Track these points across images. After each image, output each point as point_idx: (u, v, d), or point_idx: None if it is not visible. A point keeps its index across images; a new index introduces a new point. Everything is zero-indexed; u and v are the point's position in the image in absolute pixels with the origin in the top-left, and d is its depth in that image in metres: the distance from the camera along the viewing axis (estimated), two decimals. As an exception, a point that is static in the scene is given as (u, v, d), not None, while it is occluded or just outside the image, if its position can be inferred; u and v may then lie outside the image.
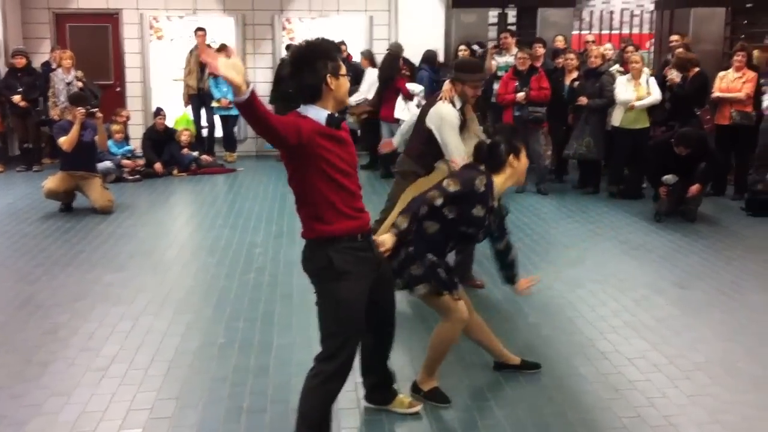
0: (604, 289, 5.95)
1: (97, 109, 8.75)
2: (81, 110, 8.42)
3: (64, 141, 8.41)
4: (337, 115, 3.30)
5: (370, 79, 10.91)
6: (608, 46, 9.82)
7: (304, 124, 3.17)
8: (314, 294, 3.39)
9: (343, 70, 3.31)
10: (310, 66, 3.23)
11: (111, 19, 12.57)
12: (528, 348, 4.80)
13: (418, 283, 3.86)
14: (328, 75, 3.22)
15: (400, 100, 10.27)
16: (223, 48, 8.39)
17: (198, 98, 11.80)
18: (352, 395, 4.06)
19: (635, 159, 9.14)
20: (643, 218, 8.26)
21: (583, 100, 9.12)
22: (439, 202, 3.87)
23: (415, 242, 3.86)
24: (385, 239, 3.77)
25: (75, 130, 8.38)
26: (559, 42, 10.41)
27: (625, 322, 5.25)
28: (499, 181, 4.00)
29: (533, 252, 6.98)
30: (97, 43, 12.53)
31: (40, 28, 12.29)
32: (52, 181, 8.43)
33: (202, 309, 5.51)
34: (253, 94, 2.91)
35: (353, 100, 10.73)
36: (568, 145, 9.38)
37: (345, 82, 3.31)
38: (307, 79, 3.23)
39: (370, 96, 10.81)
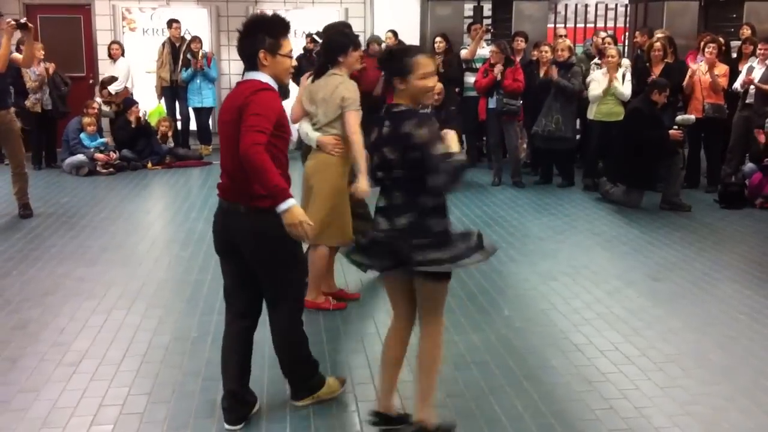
0: (577, 282, 5.98)
1: (25, 19, 7.59)
2: (10, 21, 7.24)
3: (2, 57, 7.33)
4: None
5: (124, 69, 11.45)
6: (567, 42, 9.83)
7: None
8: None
9: (284, 50, 3.50)
10: (249, 36, 3.50)
11: (83, 10, 12.42)
12: (501, 340, 4.81)
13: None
14: (263, 50, 3.46)
15: None
16: (25, 26, 7.19)
17: (171, 90, 11.70)
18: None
19: (610, 151, 9.18)
20: (616, 211, 8.30)
21: (554, 73, 9.12)
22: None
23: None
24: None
25: (5, 44, 7.31)
26: (520, 42, 10.39)
27: (598, 314, 5.28)
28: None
29: (508, 244, 7.00)
30: (69, 35, 12.38)
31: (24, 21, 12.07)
32: None
33: (175, 303, 5.46)
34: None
35: (113, 89, 11.25)
36: (536, 122, 9.35)
37: (282, 62, 3.52)
38: (245, 47, 3.52)
39: (130, 84, 11.47)
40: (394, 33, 11.16)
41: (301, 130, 5.24)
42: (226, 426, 3.74)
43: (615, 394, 4.12)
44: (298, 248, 3.71)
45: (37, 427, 3.74)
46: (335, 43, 5.10)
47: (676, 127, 8.45)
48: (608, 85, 8.89)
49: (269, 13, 12.39)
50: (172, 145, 11.20)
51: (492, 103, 9.50)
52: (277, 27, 3.48)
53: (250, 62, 3.50)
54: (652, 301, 5.60)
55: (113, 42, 11.63)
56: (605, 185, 8.74)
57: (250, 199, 3.46)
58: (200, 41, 11.62)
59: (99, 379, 4.25)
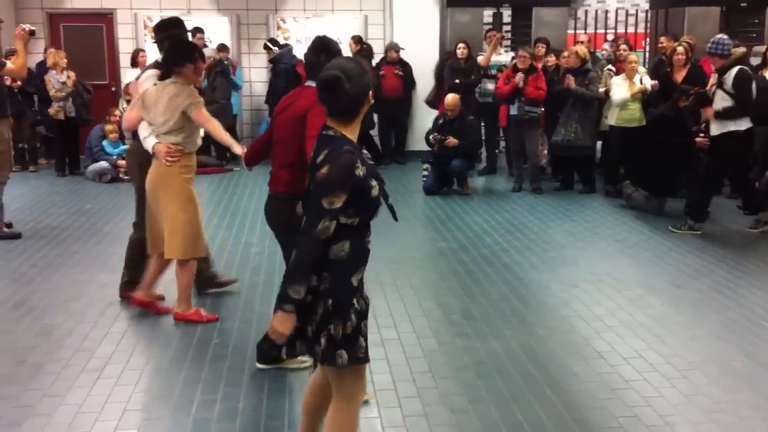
0: (599, 289, 5.95)
1: (33, 27, 7.25)
2: (25, 27, 7.05)
3: (21, 66, 7.24)
4: None
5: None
6: (574, 48, 9.83)
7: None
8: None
9: None
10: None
11: (105, 19, 12.53)
12: (523, 347, 4.79)
13: (338, 349, 2.86)
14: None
15: None
16: (33, 33, 7.08)
17: (193, 98, 11.76)
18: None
19: (632, 157, 9.12)
20: (638, 217, 8.25)
21: (570, 82, 9.11)
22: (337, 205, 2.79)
23: (332, 288, 2.85)
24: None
25: (22, 50, 7.15)
26: (541, 49, 10.40)
27: (621, 321, 5.25)
28: (353, 134, 2.98)
29: (529, 251, 6.98)
30: (92, 43, 12.50)
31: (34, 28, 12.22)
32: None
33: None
34: None
35: None
36: (555, 132, 9.34)
37: None
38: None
39: None
40: (358, 39, 11.29)
41: (141, 137, 5.21)
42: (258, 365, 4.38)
43: (639, 401, 4.09)
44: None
45: (62, 431, 3.78)
46: (174, 53, 5.09)
47: (702, 135, 8.36)
48: (637, 89, 8.81)
49: (294, 23, 12.54)
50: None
51: (513, 110, 9.48)
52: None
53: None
54: (675, 308, 5.56)
55: (140, 49, 11.69)
56: (628, 188, 8.69)
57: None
58: (228, 49, 11.73)
59: (123, 385, 4.28)
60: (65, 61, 10.71)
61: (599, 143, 10.11)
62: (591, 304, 5.60)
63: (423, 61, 11.65)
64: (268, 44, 11.72)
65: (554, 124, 9.45)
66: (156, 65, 5.34)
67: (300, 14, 12.64)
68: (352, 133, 2.93)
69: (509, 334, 5.02)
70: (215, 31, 12.32)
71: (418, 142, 11.18)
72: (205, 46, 11.74)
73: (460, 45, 10.60)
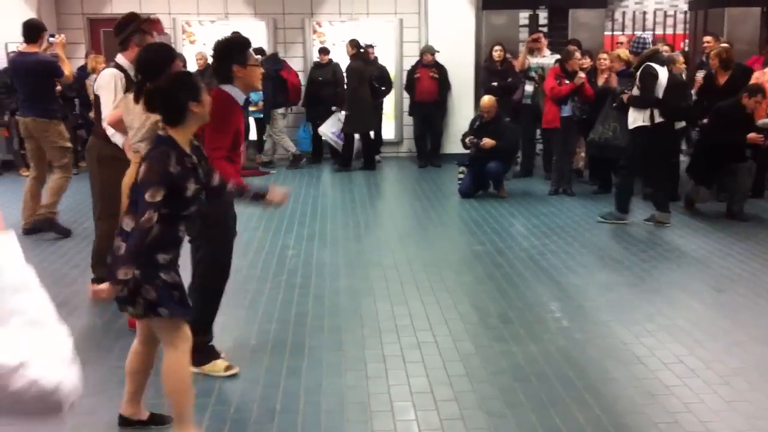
0: (638, 292, 5.88)
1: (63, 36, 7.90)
2: (63, 36, 7.75)
3: (71, 72, 7.84)
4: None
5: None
6: (616, 52, 9.77)
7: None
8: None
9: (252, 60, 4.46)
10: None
11: (144, 23, 12.68)
12: (560, 352, 4.76)
13: (159, 307, 3.44)
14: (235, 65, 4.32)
15: None
16: None
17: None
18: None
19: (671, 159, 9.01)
20: (678, 220, 8.14)
21: (612, 81, 9.06)
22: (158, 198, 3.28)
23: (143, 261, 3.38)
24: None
25: (65, 57, 7.67)
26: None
27: (661, 326, 5.19)
28: (182, 137, 3.48)
29: (567, 254, 6.92)
30: (131, 48, 12.66)
31: (75, 33, 12.43)
32: None
33: (234, 310, 5.52)
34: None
35: None
36: (593, 129, 9.23)
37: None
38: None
39: None
40: (355, 43, 11.33)
41: (109, 132, 5.23)
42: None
43: (679, 407, 4.04)
44: None
45: (103, 430, 3.83)
46: (153, 63, 4.88)
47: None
48: None
49: (330, 27, 12.60)
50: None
51: (566, 111, 9.38)
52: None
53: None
54: (717, 312, 5.48)
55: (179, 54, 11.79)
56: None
57: None
58: (264, 53, 11.78)
59: (160, 384, 4.32)
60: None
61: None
62: (630, 309, 5.54)
63: (459, 63, 11.65)
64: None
65: (589, 126, 9.37)
66: (116, 65, 5.37)
67: (335, 18, 12.69)
68: (180, 136, 3.43)
69: (547, 338, 4.98)
70: (252, 35, 12.37)
71: (453, 144, 11.16)
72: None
73: (496, 47, 10.57)
